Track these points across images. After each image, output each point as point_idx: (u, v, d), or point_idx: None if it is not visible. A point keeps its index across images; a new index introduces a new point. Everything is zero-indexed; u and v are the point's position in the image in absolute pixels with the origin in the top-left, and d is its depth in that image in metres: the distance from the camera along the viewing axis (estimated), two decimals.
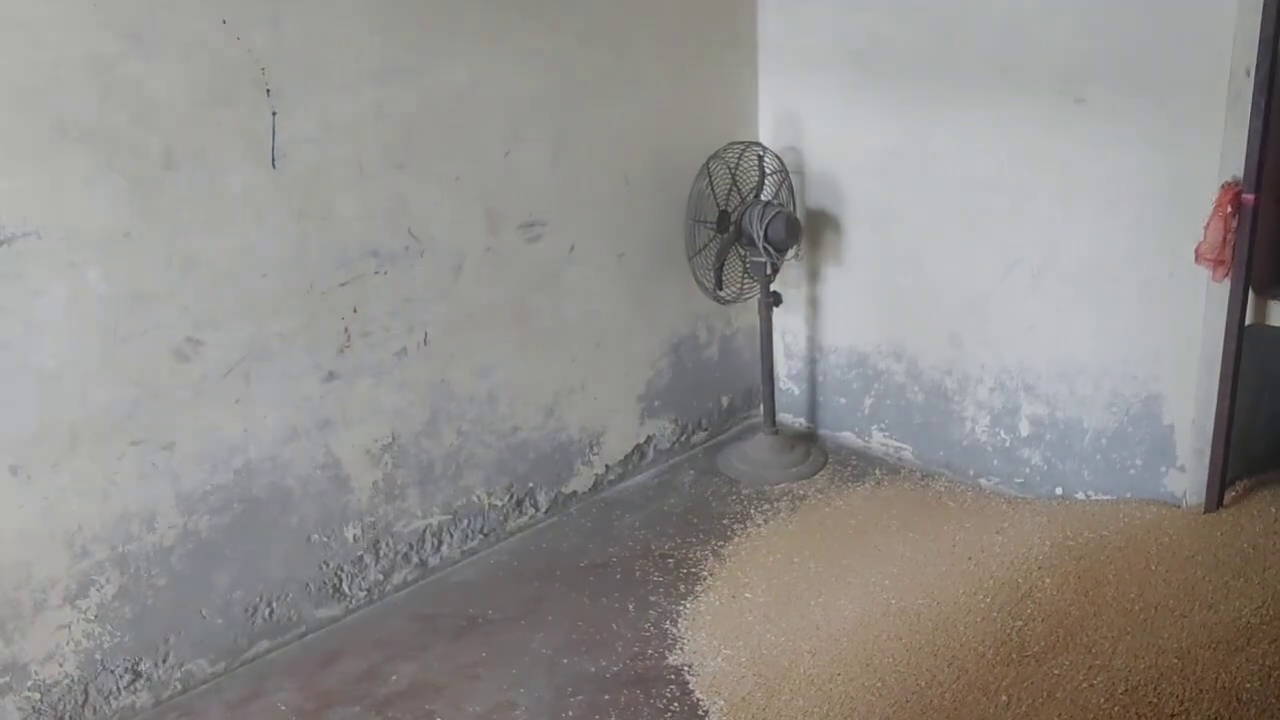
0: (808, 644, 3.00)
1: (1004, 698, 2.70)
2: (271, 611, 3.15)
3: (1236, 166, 3.08)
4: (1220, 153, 3.11)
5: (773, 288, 3.98)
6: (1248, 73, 3.01)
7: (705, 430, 4.35)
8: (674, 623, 3.21)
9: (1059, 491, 3.73)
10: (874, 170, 3.94)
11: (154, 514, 2.86)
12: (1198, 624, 2.88)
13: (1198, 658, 2.76)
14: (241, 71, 2.80)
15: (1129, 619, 2.93)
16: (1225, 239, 3.11)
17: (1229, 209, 3.09)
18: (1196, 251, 3.17)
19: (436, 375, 3.38)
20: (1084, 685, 2.71)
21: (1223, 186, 3.11)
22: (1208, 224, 3.13)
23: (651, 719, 2.84)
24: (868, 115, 3.89)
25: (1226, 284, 3.17)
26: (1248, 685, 2.67)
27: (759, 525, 3.71)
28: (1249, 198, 3.07)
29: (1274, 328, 3.25)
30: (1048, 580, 3.12)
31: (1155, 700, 2.65)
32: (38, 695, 2.74)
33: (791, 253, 3.94)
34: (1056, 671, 2.77)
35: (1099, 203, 3.41)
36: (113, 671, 2.86)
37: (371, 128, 3.08)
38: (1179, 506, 3.44)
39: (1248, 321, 3.20)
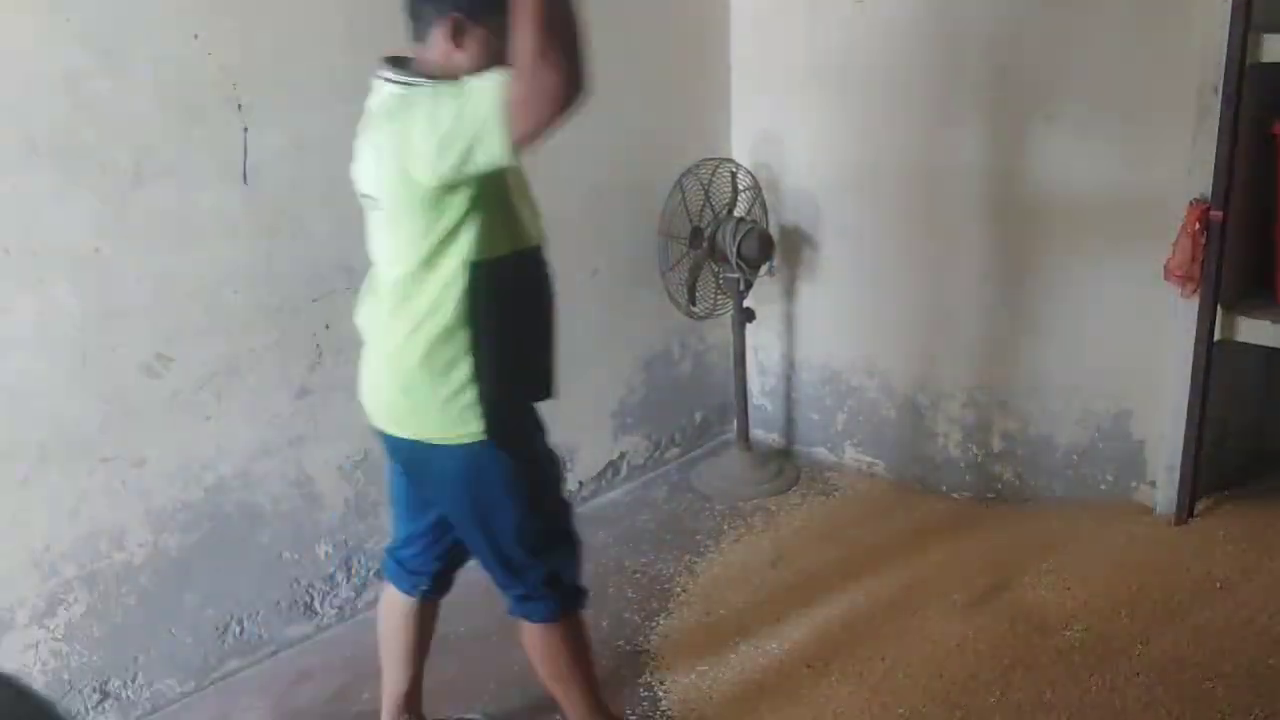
0: (781, 660, 3.00)
1: (989, 704, 2.72)
2: (242, 630, 3.12)
3: (1205, 184, 3.11)
4: (1188, 170, 3.14)
5: (746, 304, 3.99)
6: (1215, 91, 3.04)
7: (678, 446, 4.35)
8: (647, 639, 3.20)
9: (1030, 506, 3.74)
10: (847, 186, 3.96)
11: (123, 532, 2.84)
12: (1165, 638, 2.90)
13: (1164, 668, 2.78)
14: (213, 87, 2.79)
15: (1096, 626, 2.95)
16: (1194, 255, 3.13)
17: (1197, 226, 3.11)
18: (1165, 268, 3.20)
19: None
20: (1061, 693, 2.73)
21: (1191, 203, 3.13)
22: (1176, 241, 3.16)
23: None
24: (840, 132, 3.91)
25: (1195, 300, 3.19)
26: (1219, 694, 2.69)
27: (733, 541, 3.71)
28: (1217, 214, 3.10)
29: (1243, 344, 3.27)
30: (1022, 587, 3.13)
31: (1123, 706, 2.68)
32: None
33: (765, 269, 3.95)
34: (1028, 676, 2.78)
35: (1069, 219, 3.44)
36: (81, 691, 2.83)
37: (344, 144, 3.06)
38: (1150, 517, 3.46)
39: (1217, 337, 3.23)
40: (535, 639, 2.45)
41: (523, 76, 1.82)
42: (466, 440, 2.19)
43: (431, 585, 2.59)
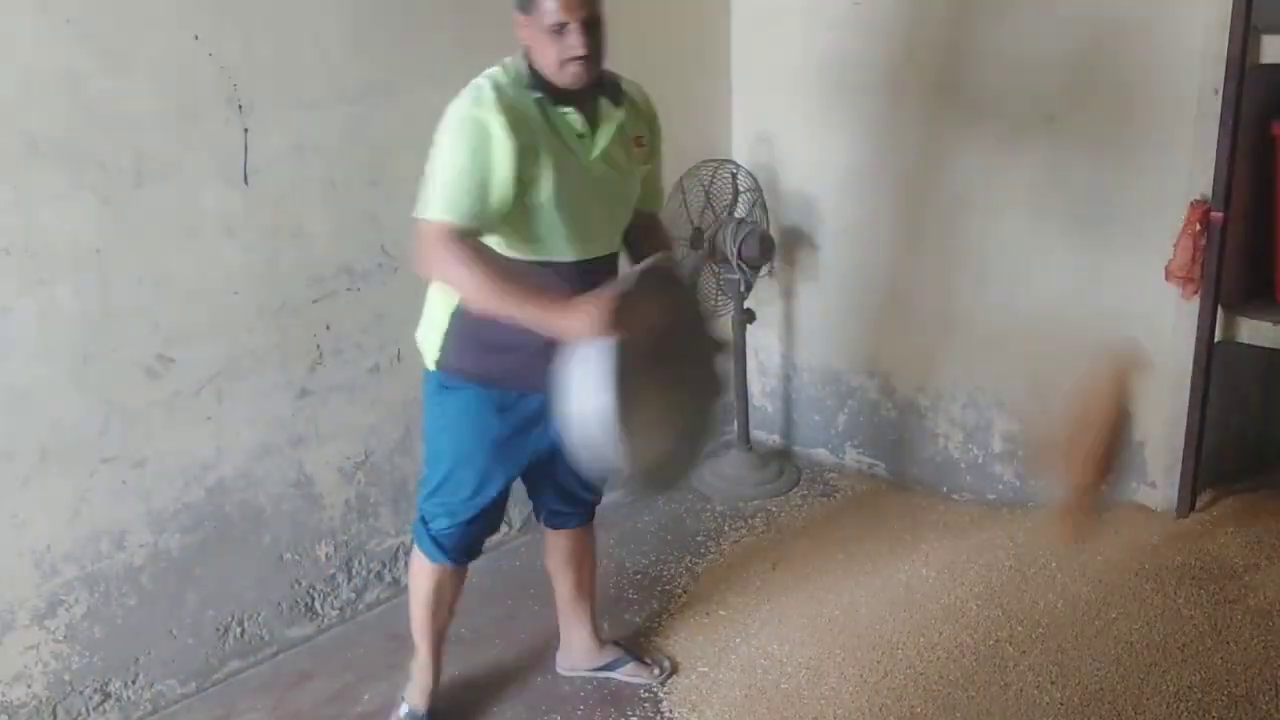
0: (782, 660, 3.00)
1: (989, 705, 2.72)
2: (243, 631, 3.12)
3: (1205, 184, 3.11)
4: (1189, 171, 3.14)
5: (746, 305, 3.99)
6: (1215, 92, 3.04)
7: None
8: (648, 640, 3.20)
9: (1030, 507, 3.74)
10: (847, 187, 3.95)
11: (124, 532, 2.84)
12: (1158, 633, 2.90)
13: (1155, 662, 2.79)
14: (214, 88, 2.79)
15: (1093, 625, 2.95)
16: (1194, 257, 3.13)
17: (1198, 227, 3.11)
18: (1166, 269, 3.20)
19: (410, 392, 3.35)
20: (1060, 693, 2.73)
21: (1191, 204, 3.13)
22: (1177, 242, 3.16)
23: None
24: (840, 133, 3.91)
25: (1196, 301, 3.19)
26: (1208, 688, 2.70)
27: (733, 542, 3.71)
28: (1218, 215, 3.10)
29: (1243, 344, 3.27)
30: (1022, 588, 3.13)
31: (1111, 702, 2.69)
32: (5, 717, 2.70)
33: (765, 270, 3.96)
34: (1026, 678, 2.78)
35: (1069, 220, 3.44)
36: (82, 693, 2.83)
37: (344, 144, 3.07)
38: (1150, 517, 3.46)
39: (1217, 339, 3.23)
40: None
41: (435, 264, 2.34)
42: (427, 366, 2.58)
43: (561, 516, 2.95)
